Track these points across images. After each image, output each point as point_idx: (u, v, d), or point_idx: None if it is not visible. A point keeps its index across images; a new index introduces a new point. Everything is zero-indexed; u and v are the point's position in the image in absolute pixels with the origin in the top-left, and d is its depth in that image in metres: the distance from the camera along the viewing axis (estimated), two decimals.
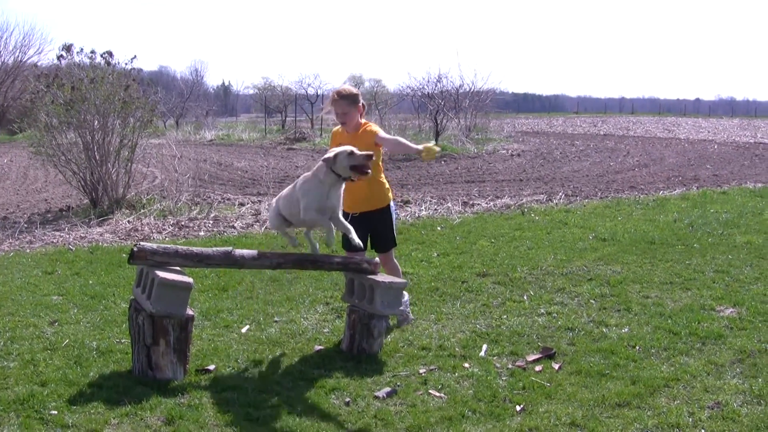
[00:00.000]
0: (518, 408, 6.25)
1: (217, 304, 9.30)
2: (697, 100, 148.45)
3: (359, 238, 7.59)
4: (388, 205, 8.51)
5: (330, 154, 7.29)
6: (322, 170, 7.30)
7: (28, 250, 12.79)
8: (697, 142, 42.62)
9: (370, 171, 7.35)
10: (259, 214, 16.51)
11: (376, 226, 8.45)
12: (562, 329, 8.29)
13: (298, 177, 7.76)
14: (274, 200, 7.99)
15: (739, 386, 6.67)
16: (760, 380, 6.77)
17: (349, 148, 7.30)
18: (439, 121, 36.67)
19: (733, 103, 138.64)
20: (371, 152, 7.32)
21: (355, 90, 8.28)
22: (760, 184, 21.97)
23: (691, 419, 6.02)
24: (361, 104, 8.26)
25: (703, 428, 5.87)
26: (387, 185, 8.53)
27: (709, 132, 53.84)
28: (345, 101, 8.12)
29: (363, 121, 8.32)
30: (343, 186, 7.46)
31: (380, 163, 8.40)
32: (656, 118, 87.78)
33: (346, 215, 7.87)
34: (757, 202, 17.84)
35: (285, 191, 7.77)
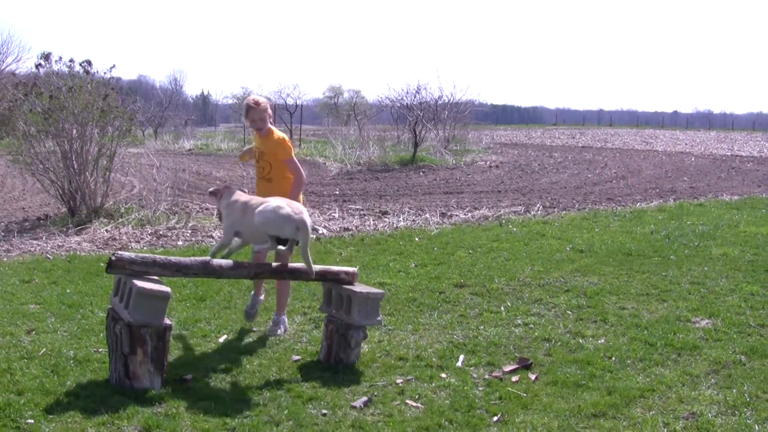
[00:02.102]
0: (495, 418, 6.28)
1: (195, 313, 9.30)
2: (675, 112, 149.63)
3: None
4: None
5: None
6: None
7: (5, 259, 12.72)
8: (674, 154, 42.86)
9: None
10: None
11: None
12: (538, 340, 8.34)
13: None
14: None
15: (713, 397, 6.73)
16: (734, 391, 6.83)
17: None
18: (417, 132, 36.69)
19: (711, 116, 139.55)
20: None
21: (266, 101, 8.90)
22: (736, 197, 22.12)
23: (666, 430, 6.07)
24: (269, 113, 8.83)
25: None
26: None
27: (686, 144, 54.15)
28: (260, 110, 8.68)
29: (270, 127, 8.87)
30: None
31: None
32: (634, 130, 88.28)
33: None
34: (733, 214, 17.97)
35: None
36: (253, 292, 9.03)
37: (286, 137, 8.95)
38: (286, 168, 8.72)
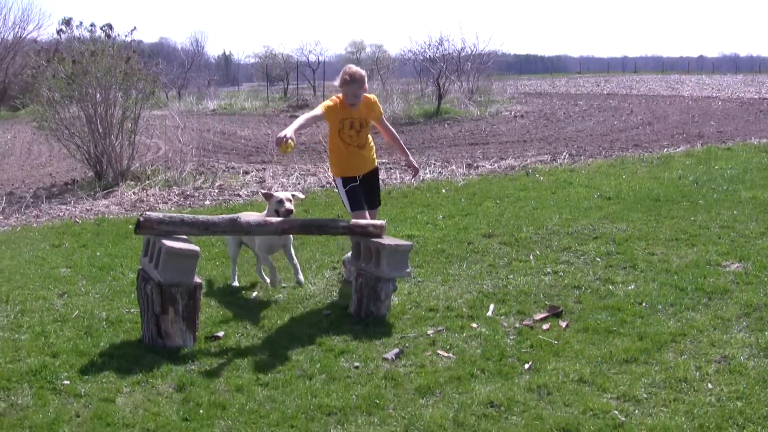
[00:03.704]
0: (526, 366, 6.28)
1: (225, 271, 9.35)
2: (701, 57, 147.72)
3: (367, 195, 8.47)
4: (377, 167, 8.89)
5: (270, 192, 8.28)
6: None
7: (34, 224, 12.83)
8: (701, 99, 42.43)
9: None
10: (264, 181, 16.53)
11: (372, 184, 8.70)
12: (568, 288, 8.32)
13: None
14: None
15: (745, 340, 6.70)
16: (766, 334, 6.79)
17: (281, 196, 8.02)
18: (441, 85, 36.56)
19: (737, 59, 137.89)
20: (292, 209, 7.96)
21: (363, 72, 8.34)
22: (764, 140, 21.86)
23: (698, 373, 6.05)
24: (366, 86, 8.38)
25: (710, 382, 5.90)
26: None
27: (713, 89, 53.58)
28: (357, 84, 8.18)
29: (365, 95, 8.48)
30: None
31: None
32: (659, 76, 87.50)
33: (354, 179, 8.41)
34: (762, 157, 17.79)
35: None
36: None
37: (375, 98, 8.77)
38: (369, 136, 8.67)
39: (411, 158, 9.05)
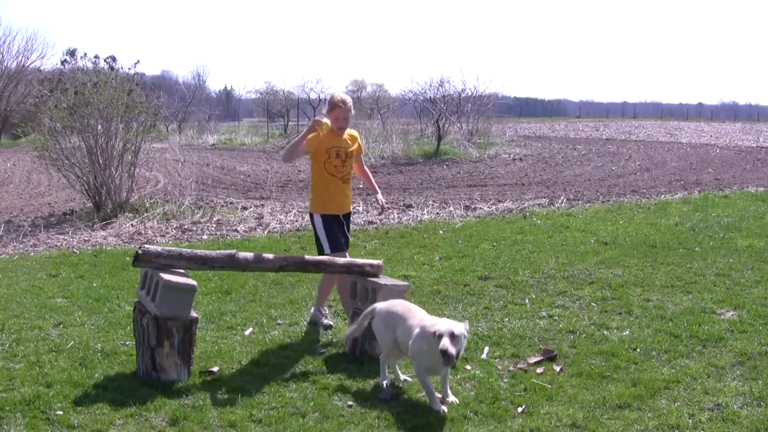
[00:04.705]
0: (519, 409, 6.29)
1: (221, 306, 9.36)
2: (700, 104, 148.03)
3: (343, 236, 8.55)
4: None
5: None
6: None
7: (32, 253, 12.85)
8: (699, 146, 42.62)
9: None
10: (262, 217, 16.56)
11: (347, 226, 8.81)
12: (563, 332, 8.34)
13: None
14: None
15: (739, 388, 6.71)
16: (760, 382, 6.81)
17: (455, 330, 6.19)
18: (441, 126, 36.72)
19: (736, 108, 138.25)
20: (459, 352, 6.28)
21: (350, 99, 8.70)
22: (761, 188, 21.97)
23: (691, 421, 6.06)
24: (352, 112, 8.71)
25: (702, 429, 5.91)
26: None
27: (711, 136, 53.82)
28: (347, 108, 8.50)
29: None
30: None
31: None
32: (658, 122, 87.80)
33: (336, 218, 8.60)
34: (759, 206, 17.86)
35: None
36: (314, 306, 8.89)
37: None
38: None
39: (380, 196, 9.29)
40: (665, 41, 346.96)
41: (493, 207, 18.17)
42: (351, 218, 8.96)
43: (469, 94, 43.20)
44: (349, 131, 8.68)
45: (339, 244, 8.40)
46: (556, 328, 8.46)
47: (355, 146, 8.69)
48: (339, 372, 7.14)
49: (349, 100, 8.55)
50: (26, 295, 9.85)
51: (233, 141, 45.96)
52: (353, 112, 8.63)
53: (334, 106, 8.42)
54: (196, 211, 17.10)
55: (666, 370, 7.14)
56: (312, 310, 8.87)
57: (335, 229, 8.46)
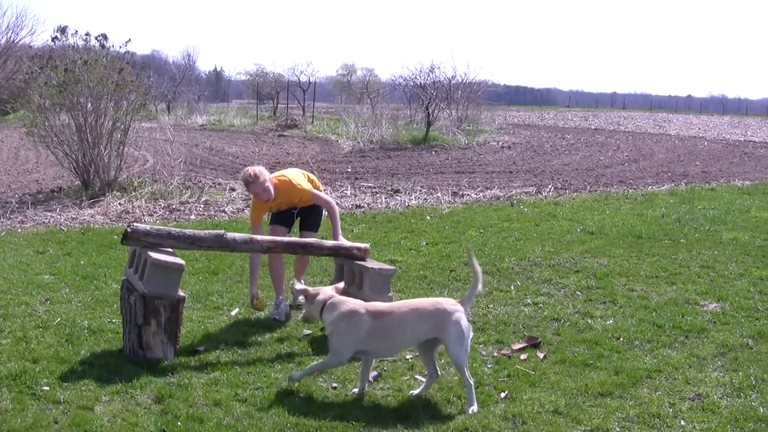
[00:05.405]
0: (502, 395, 6.35)
1: (208, 286, 9.39)
2: (689, 97, 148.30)
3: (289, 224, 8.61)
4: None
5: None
6: None
7: (19, 230, 12.84)
8: (687, 138, 42.67)
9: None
10: (250, 198, 16.56)
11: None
12: (547, 319, 8.40)
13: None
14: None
15: (720, 379, 6.79)
16: (740, 374, 6.88)
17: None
18: (430, 112, 36.65)
19: (725, 101, 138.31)
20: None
21: (255, 170, 8.26)
22: (748, 182, 22.06)
23: (671, 410, 6.13)
24: (267, 177, 8.30)
25: (683, 419, 5.98)
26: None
27: (699, 129, 53.85)
28: (256, 182, 8.21)
29: (276, 180, 8.47)
30: None
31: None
32: (647, 113, 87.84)
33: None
34: (745, 199, 17.95)
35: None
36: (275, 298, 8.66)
37: (295, 175, 8.65)
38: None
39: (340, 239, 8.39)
40: (657, 33, 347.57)
41: (481, 194, 18.21)
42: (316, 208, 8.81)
43: (460, 80, 43.06)
44: (282, 180, 8.47)
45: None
46: (540, 316, 8.53)
47: (297, 195, 8.51)
48: (323, 353, 7.15)
49: (257, 170, 8.22)
50: (13, 271, 9.86)
51: (222, 122, 45.81)
52: (269, 176, 8.29)
53: (247, 185, 8.33)
54: (184, 191, 17.09)
55: (648, 360, 7.21)
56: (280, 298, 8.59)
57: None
